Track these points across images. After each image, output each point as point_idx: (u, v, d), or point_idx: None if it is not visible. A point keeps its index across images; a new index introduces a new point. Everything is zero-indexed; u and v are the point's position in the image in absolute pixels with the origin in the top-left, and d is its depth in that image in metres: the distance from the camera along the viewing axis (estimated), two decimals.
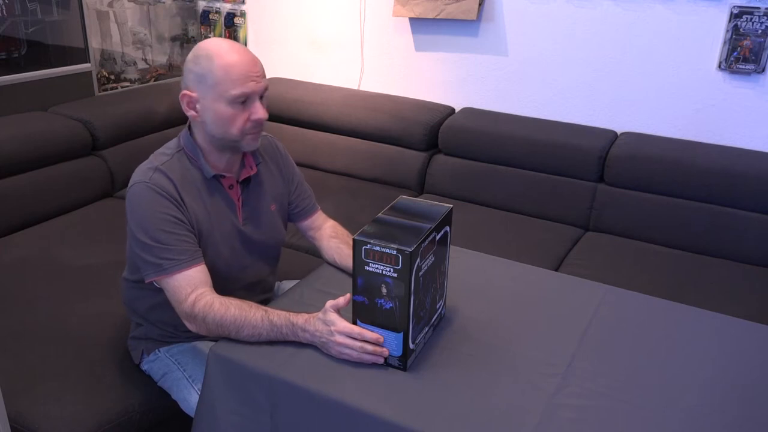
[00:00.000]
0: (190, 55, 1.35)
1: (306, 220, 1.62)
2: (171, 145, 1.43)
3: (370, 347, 1.18)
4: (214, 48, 1.32)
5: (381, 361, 1.19)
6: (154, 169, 1.35)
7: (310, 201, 1.63)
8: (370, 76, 3.10)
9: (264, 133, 1.57)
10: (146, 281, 1.34)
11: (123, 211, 1.37)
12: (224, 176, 1.43)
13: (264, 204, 1.51)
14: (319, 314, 1.22)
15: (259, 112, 1.35)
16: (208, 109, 1.33)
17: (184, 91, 1.35)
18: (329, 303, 1.22)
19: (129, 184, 1.36)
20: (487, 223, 2.49)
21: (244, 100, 1.33)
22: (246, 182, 1.47)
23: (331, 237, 1.59)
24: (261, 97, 1.37)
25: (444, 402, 1.11)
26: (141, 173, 1.35)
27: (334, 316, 1.20)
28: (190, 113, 1.37)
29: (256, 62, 1.34)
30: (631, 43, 2.50)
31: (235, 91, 1.30)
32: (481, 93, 2.86)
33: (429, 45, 2.90)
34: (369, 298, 1.16)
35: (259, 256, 1.52)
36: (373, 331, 1.18)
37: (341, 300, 1.22)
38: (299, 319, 1.23)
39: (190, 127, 1.42)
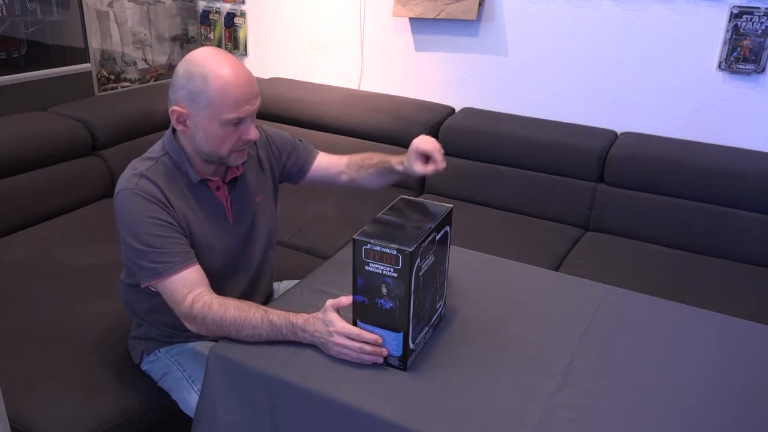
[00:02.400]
0: (182, 70, 1.30)
1: (314, 164, 1.62)
2: (155, 150, 1.41)
3: (368, 347, 1.17)
4: (210, 65, 1.27)
5: (380, 360, 1.19)
6: (139, 175, 1.33)
7: (305, 150, 1.63)
8: (370, 76, 3.10)
9: None
10: (142, 285, 1.34)
11: None
12: (210, 179, 1.42)
13: (251, 199, 1.51)
14: (319, 314, 1.22)
15: (251, 133, 1.33)
16: (199, 128, 1.31)
17: (174, 107, 1.31)
18: (329, 302, 1.22)
19: (115, 192, 1.35)
20: (487, 223, 2.49)
21: (237, 122, 1.32)
22: (232, 182, 1.47)
23: (355, 165, 1.63)
24: None
25: (444, 402, 1.11)
26: (126, 180, 1.34)
27: (333, 316, 1.20)
28: (180, 128, 1.34)
29: (252, 83, 1.31)
30: (631, 43, 2.50)
31: (230, 116, 1.29)
32: (481, 93, 2.86)
33: (429, 45, 2.90)
34: (369, 298, 1.16)
35: (253, 251, 1.52)
36: (373, 331, 1.18)
37: (343, 299, 1.21)
38: (299, 319, 1.23)
39: (174, 130, 1.39)
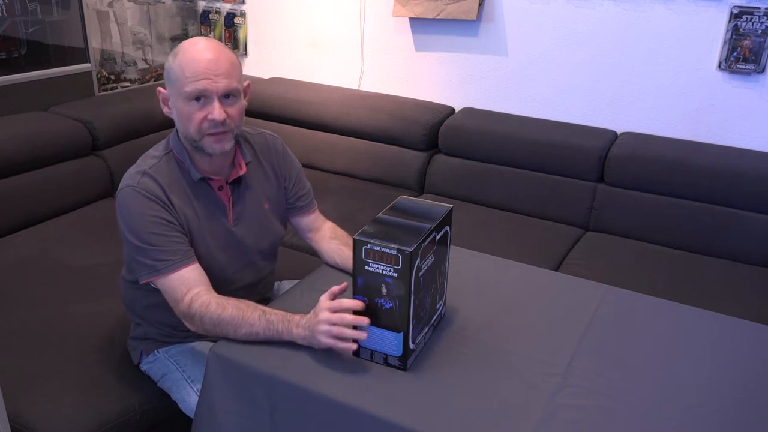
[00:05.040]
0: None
1: (301, 216, 1.61)
2: (160, 147, 1.42)
3: (349, 318, 1.16)
4: (186, 45, 1.33)
5: (364, 336, 1.17)
6: (142, 172, 1.34)
7: (307, 198, 1.61)
8: (370, 76, 3.10)
9: (264, 131, 1.57)
10: (141, 282, 1.34)
11: None
12: (212, 178, 1.41)
13: (256, 203, 1.50)
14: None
15: (215, 112, 1.30)
16: (173, 106, 1.35)
17: (159, 88, 1.38)
18: (323, 295, 1.22)
19: (118, 188, 1.36)
20: (487, 223, 2.49)
21: (198, 98, 1.31)
22: (236, 183, 1.46)
23: (332, 239, 1.58)
24: (227, 97, 1.33)
25: (444, 402, 1.11)
26: (129, 177, 1.35)
27: (323, 300, 1.20)
28: (165, 110, 1.39)
29: (220, 61, 1.31)
30: (631, 43, 2.50)
31: (188, 88, 1.29)
32: (481, 93, 2.86)
33: (429, 45, 2.90)
34: (369, 298, 1.16)
35: (255, 256, 1.52)
36: (372, 331, 1.18)
37: (335, 288, 1.22)
38: (295, 316, 1.24)
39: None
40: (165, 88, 1.37)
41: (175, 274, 1.30)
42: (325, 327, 1.18)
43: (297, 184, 1.59)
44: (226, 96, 1.33)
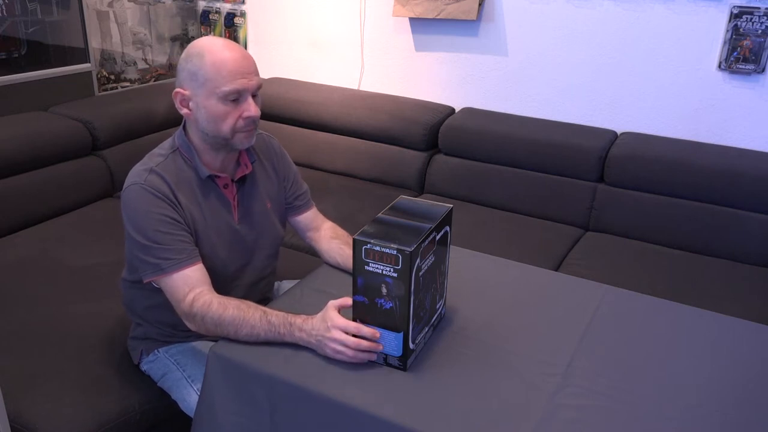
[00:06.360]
0: (183, 54, 1.35)
1: (299, 215, 1.61)
2: (166, 146, 1.42)
3: (365, 344, 1.18)
4: (207, 45, 1.32)
5: (374, 358, 1.20)
6: (149, 170, 1.35)
7: (304, 197, 1.62)
8: (370, 76, 3.10)
9: (260, 131, 1.57)
10: (144, 281, 1.34)
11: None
12: (219, 176, 1.42)
13: (259, 202, 1.51)
14: (319, 313, 1.22)
15: (252, 109, 1.34)
16: (201, 107, 1.33)
17: (177, 89, 1.36)
18: (331, 302, 1.22)
19: (124, 186, 1.36)
20: (487, 223, 2.49)
21: (236, 98, 1.32)
22: (241, 181, 1.47)
23: (332, 238, 1.59)
24: (254, 95, 1.36)
25: (444, 402, 1.11)
26: (136, 174, 1.35)
27: (333, 314, 1.20)
28: (183, 111, 1.37)
29: (248, 59, 1.34)
30: (631, 43, 2.50)
31: (227, 88, 1.30)
32: (481, 93, 2.86)
33: (429, 45, 2.90)
34: (369, 298, 1.16)
35: (257, 255, 1.52)
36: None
37: (346, 299, 1.22)
38: (297, 319, 1.24)
39: (185, 127, 1.42)
40: (184, 89, 1.34)
41: (178, 273, 1.30)
42: (338, 347, 1.18)
43: (295, 183, 1.60)
44: (253, 93, 1.36)
